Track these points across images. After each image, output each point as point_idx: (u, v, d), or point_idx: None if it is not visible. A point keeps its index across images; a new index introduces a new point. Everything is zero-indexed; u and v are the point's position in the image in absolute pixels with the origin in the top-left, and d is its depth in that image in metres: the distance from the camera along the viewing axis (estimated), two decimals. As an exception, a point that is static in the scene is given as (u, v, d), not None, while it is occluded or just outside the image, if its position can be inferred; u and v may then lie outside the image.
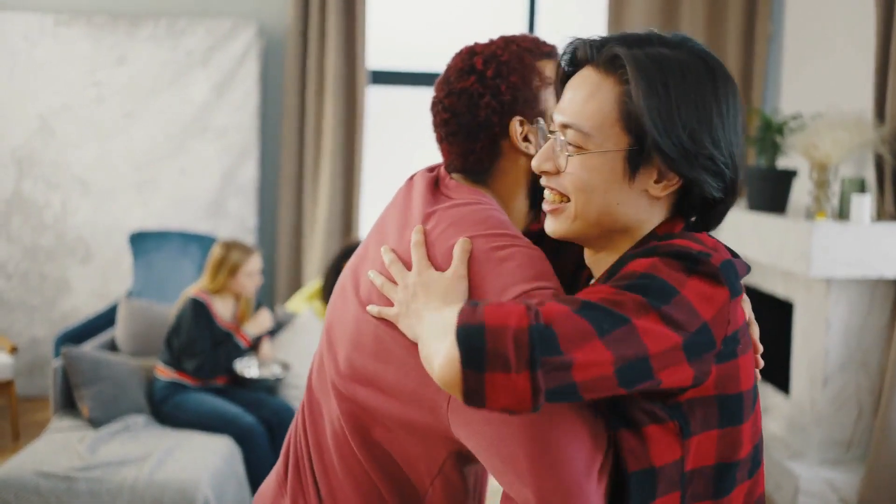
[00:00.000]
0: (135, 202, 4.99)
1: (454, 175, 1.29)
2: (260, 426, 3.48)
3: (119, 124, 4.93)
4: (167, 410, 3.52)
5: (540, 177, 1.17)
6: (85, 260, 5.01)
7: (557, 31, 5.14)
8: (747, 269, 1.10)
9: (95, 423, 3.36)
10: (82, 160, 4.93)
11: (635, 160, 1.07)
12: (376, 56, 5.09)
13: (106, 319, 4.30)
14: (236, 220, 5.03)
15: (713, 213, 1.15)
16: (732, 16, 4.83)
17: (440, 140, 1.30)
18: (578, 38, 1.13)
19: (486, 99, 1.23)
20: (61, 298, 5.02)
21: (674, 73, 1.06)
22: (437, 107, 1.29)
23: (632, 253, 1.09)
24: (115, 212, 4.98)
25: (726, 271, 1.03)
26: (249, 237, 5.01)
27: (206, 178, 5.00)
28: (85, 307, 5.00)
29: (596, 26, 5.05)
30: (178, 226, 4.94)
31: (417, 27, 5.25)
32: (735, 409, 1.06)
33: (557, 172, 1.12)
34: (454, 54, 1.30)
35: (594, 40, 1.12)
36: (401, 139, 5.27)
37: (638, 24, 4.86)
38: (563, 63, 1.15)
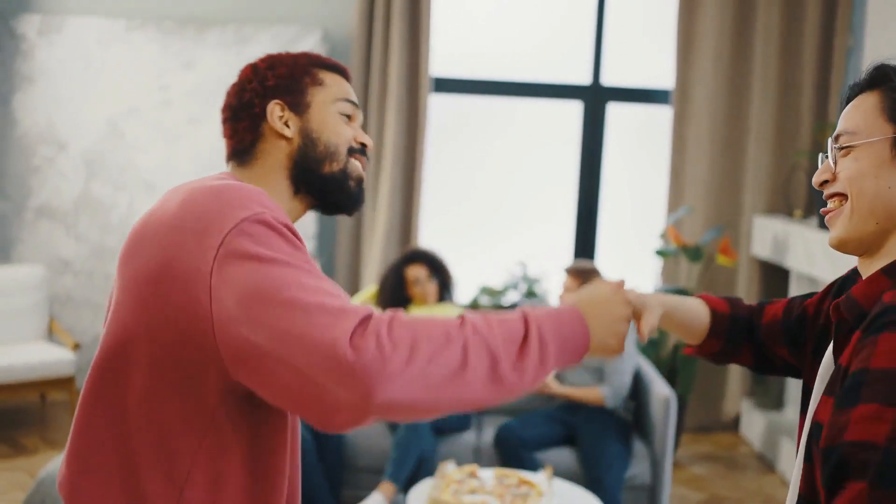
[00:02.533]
0: (198, 205, 5.05)
1: (228, 166, 1.38)
2: (307, 433, 3.47)
3: (184, 128, 5.00)
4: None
5: (308, 165, 1.31)
6: (148, 261, 5.09)
7: (625, 38, 5.03)
8: None
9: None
10: (149, 163, 5.02)
11: None
12: (440, 64, 5.06)
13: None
14: (297, 225, 5.04)
15: None
16: (809, 29, 4.66)
17: (224, 134, 1.39)
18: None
19: (253, 84, 1.34)
20: (125, 298, 5.11)
21: None
22: (223, 106, 1.39)
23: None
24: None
25: None
26: (309, 243, 5.03)
27: (267, 183, 5.03)
28: (147, 307, 5.07)
29: (665, 35, 4.93)
30: (238, 229, 4.99)
31: (482, 35, 5.20)
32: None
33: (834, 178, 1.25)
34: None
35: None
36: (463, 148, 5.23)
37: (710, 34, 4.71)
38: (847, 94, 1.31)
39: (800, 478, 1.25)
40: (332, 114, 1.35)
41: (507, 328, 1.16)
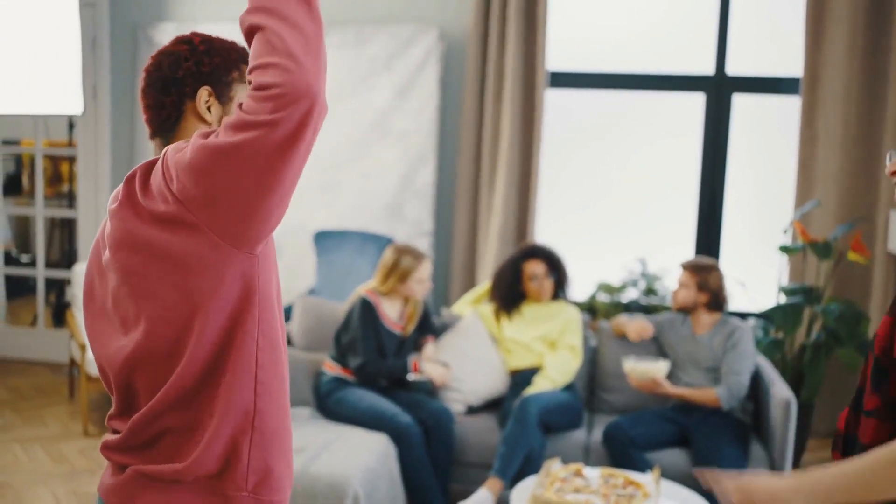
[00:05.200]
0: (319, 203, 5.21)
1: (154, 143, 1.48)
2: (416, 426, 3.52)
3: (308, 128, 5.17)
4: (330, 405, 3.64)
5: None
6: (274, 257, 5.29)
7: (751, 23, 4.83)
8: None
9: (264, 412, 3.52)
10: (274, 162, 5.21)
11: None
12: (556, 58, 5.01)
13: (287, 315, 4.52)
14: (413, 222, 5.13)
15: None
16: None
17: (142, 99, 1.47)
18: None
19: (189, 63, 1.44)
20: (252, 292, 5.33)
21: None
22: (148, 68, 1.46)
23: None
24: (301, 212, 5.23)
25: None
26: (425, 240, 5.10)
27: (385, 181, 5.14)
28: (273, 301, 5.28)
29: (793, 19, 4.70)
30: (357, 226, 5.11)
31: (600, 26, 5.11)
32: None
33: None
34: (176, 38, 1.49)
35: None
36: (580, 144, 5.16)
37: (842, 17, 4.46)
38: None
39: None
40: None
41: None
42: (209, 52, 1.46)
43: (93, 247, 1.53)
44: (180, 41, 1.47)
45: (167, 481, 1.36)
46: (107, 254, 1.41)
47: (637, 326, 3.91)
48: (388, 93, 5.09)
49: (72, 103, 5.52)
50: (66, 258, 6.12)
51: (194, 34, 1.48)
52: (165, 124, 1.46)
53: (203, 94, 1.44)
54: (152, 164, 1.39)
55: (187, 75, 1.44)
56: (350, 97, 5.12)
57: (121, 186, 1.42)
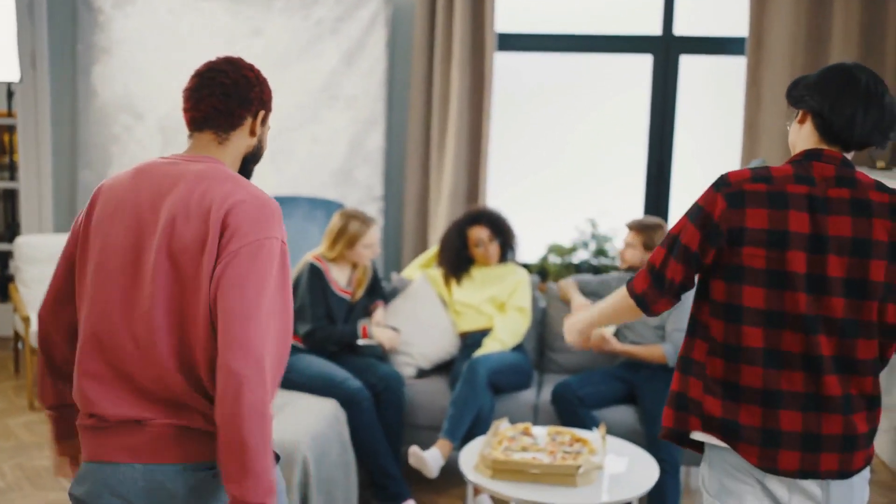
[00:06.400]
0: (268, 169, 5.14)
1: (197, 134, 1.81)
2: (366, 391, 3.52)
3: (254, 94, 5.08)
4: (279, 372, 3.61)
5: (249, 163, 1.86)
6: (223, 225, 5.23)
7: (694, 14, 4.84)
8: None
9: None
10: (221, 129, 5.13)
11: None
12: (505, 20, 4.97)
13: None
14: (364, 187, 5.09)
15: None
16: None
17: (206, 97, 1.77)
18: None
19: (256, 90, 1.82)
20: (202, 261, 5.27)
21: None
22: (219, 75, 1.77)
23: None
24: (252, 179, 5.15)
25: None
26: (376, 205, 5.07)
27: (335, 146, 5.08)
28: (223, 270, 5.22)
29: (737, 16, 4.71)
30: (307, 192, 5.06)
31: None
32: None
33: None
34: (231, 58, 1.83)
35: None
36: (530, 106, 5.15)
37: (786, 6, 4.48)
38: None
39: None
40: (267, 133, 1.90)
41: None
42: (263, 84, 1.84)
43: None
44: (248, 68, 1.81)
45: None
46: None
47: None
48: (335, 57, 5.02)
49: (7, 70, 5.36)
50: (10, 231, 5.98)
51: (249, 66, 1.83)
52: (224, 125, 1.79)
53: (261, 115, 1.83)
54: None
55: (254, 97, 1.80)
56: (297, 62, 5.04)
57: None
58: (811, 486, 1.79)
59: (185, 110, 1.80)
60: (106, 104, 5.18)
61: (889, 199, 1.81)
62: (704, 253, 1.81)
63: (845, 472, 1.79)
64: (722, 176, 1.84)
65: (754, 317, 1.78)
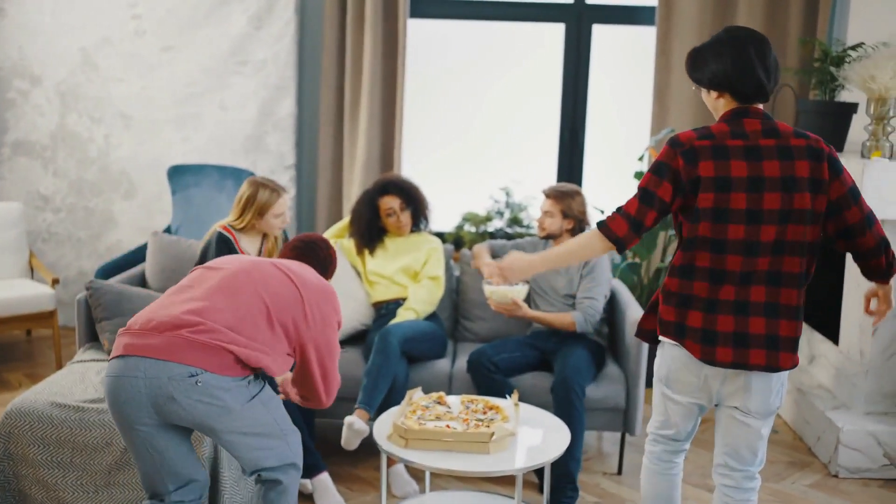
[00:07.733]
0: (176, 137, 4.98)
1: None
2: (278, 363, 3.46)
3: (159, 57, 4.91)
4: (188, 345, 3.52)
5: None
6: (129, 194, 5.06)
7: (603, 11, 4.86)
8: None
9: (117, 355, 3.38)
10: (124, 94, 4.94)
11: None
12: (418, -14, 4.91)
13: (143, 254, 4.34)
14: (275, 155, 4.98)
15: None
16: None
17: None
18: None
19: None
20: (107, 232, 5.09)
21: None
22: None
23: None
24: (157, 146, 4.99)
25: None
26: (288, 173, 4.97)
27: (244, 113, 4.96)
28: (129, 241, 5.06)
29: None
30: (216, 160, 4.93)
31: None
32: None
33: None
34: None
35: None
36: (443, 75, 5.11)
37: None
38: None
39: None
40: None
41: None
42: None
43: None
44: None
45: None
46: None
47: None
48: (242, 20, 4.87)
49: None
50: None
51: None
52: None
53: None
54: None
55: None
56: (203, 25, 4.88)
57: None
58: (738, 378, 2.28)
59: None
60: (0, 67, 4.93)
61: (805, 143, 2.21)
62: (673, 201, 2.25)
63: (770, 367, 2.23)
64: (673, 137, 2.25)
65: (704, 244, 2.21)
